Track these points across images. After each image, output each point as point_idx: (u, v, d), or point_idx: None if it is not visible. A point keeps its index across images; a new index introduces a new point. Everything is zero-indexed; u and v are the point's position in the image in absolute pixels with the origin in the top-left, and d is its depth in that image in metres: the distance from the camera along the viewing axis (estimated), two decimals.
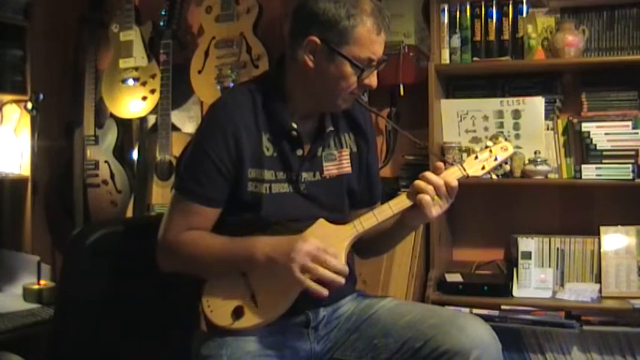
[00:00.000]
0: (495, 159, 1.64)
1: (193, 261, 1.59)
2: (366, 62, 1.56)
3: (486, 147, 1.66)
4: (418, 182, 1.57)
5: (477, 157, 1.64)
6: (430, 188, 1.55)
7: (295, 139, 1.64)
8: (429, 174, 1.57)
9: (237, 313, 1.55)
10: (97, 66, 3.29)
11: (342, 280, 1.50)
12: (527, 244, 2.61)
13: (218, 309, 1.57)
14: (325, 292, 1.48)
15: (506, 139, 2.53)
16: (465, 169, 1.61)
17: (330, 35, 1.54)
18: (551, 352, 2.49)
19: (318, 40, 1.55)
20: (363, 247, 1.74)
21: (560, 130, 2.62)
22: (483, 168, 1.63)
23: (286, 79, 1.65)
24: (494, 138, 2.52)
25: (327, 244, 1.51)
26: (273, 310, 1.54)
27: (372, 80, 1.61)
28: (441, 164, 1.60)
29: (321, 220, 1.59)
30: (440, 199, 1.56)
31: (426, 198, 1.55)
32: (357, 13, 1.54)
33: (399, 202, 1.60)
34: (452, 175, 1.59)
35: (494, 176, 1.68)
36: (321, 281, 1.48)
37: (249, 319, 1.55)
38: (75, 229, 3.00)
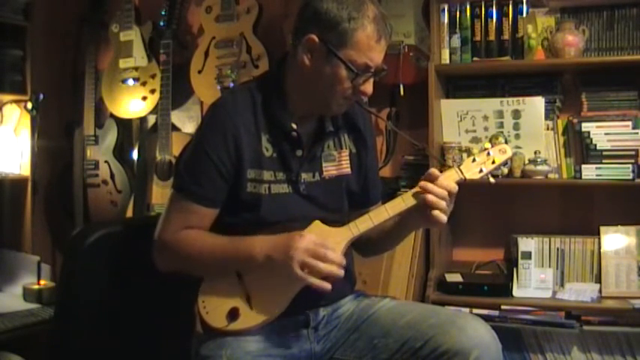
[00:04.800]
0: (493, 162, 1.62)
1: (190, 260, 1.59)
2: (362, 68, 1.55)
3: (484, 149, 1.64)
4: (430, 198, 1.53)
5: (474, 160, 1.62)
6: (442, 204, 1.54)
7: (295, 139, 1.64)
8: (431, 186, 1.55)
9: (233, 315, 1.55)
10: (97, 66, 3.29)
11: (342, 273, 1.50)
12: (527, 244, 2.61)
13: (213, 310, 1.57)
14: (328, 286, 1.48)
15: (506, 139, 2.58)
16: (462, 173, 1.60)
17: (330, 36, 1.54)
18: (551, 352, 2.49)
19: (316, 39, 1.55)
20: (364, 246, 1.75)
21: (560, 130, 2.62)
22: (481, 171, 1.62)
23: (286, 79, 1.65)
24: (494, 138, 2.54)
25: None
26: (269, 312, 1.54)
27: (368, 88, 1.59)
28: (435, 171, 1.58)
29: (317, 222, 1.58)
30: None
31: (441, 214, 1.54)
32: (359, 18, 1.53)
33: (395, 206, 1.59)
34: (450, 179, 1.58)
35: (492, 179, 1.66)
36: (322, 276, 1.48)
37: (244, 321, 1.55)
38: (75, 229, 3.02)
